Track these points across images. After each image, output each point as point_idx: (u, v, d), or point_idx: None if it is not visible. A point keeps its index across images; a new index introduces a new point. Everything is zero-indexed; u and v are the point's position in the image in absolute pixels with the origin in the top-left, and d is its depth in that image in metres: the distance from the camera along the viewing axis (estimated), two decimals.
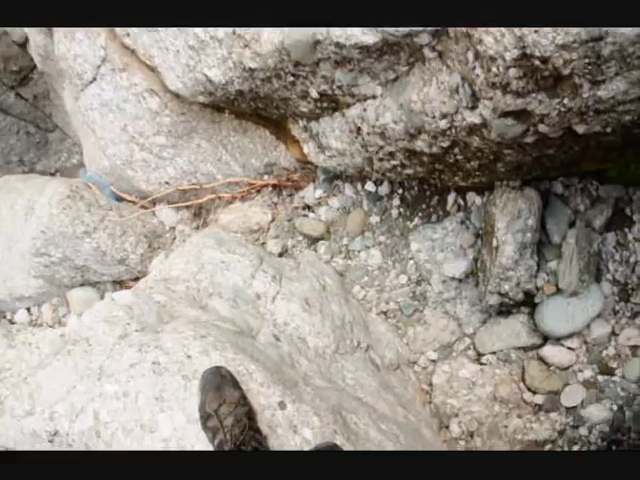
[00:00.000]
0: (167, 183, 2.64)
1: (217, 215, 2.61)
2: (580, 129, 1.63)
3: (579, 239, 2.23)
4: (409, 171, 2.05)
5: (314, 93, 1.88)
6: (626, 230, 2.31)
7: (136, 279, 2.73)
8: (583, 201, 2.31)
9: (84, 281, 2.77)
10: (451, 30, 1.50)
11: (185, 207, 2.70)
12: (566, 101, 1.50)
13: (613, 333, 2.27)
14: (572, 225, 2.27)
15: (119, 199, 2.93)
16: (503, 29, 1.37)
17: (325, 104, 1.93)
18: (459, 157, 1.89)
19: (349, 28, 1.58)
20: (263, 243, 2.46)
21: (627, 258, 2.29)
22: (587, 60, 1.34)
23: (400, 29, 1.52)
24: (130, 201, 2.90)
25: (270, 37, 1.74)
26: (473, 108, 1.62)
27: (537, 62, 1.37)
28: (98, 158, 2.92)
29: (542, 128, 1.64)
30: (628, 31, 1.25)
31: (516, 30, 1.35)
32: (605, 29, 1.26)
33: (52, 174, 4.01)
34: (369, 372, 2.13)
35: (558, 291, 2.22)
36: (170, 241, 2.78)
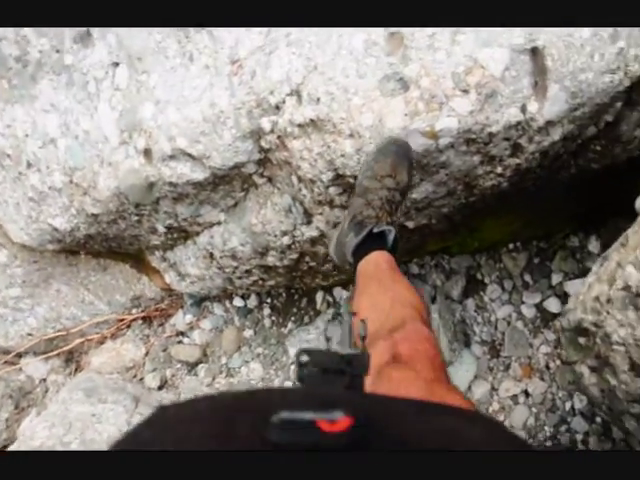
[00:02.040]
0: (30, 335, 2.48)
1: (89, 358, 2.47)
2: (410, 224, 1.78)
3: (442, 312, 2.36)
4: (271, 282, 2.10)
5: (161, 228, 1.90)
6: (481, 293, 2.49)
7: (4, 447, 2.46)
8: (439, 276, 2.47)
9: None
10: (273, 158, 1.61)
11: (55, 355, 2.53)
12: None
13: (493, 389, 2.36)
14: (434, 300, 2.41)
15: None
16: (315, 155, 1.50)
17: (175, 235, 1.96)
18: (312, 264, 1.97)
19: (178, 167, 1.65)
20: (141, 379, 2.35)
21: (488, 318, 2.45)
22: None
23: (225, 163, 1.61)
24: None
25: (106, 183, 1.76)
26: (309, 223, 1.72)
27: (351, 180, 1.51)
28: None
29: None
30: (416, 147, 1.42)
31: (325, 155, 1.48)
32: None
33: None
34: None
35: None
36: (42, 395, 2.56)
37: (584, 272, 2.09)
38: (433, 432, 0.47)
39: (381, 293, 1.18)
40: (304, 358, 0.55)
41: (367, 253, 1.31)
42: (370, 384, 0.85)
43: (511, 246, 2.33)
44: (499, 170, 1.57)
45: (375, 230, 1.32)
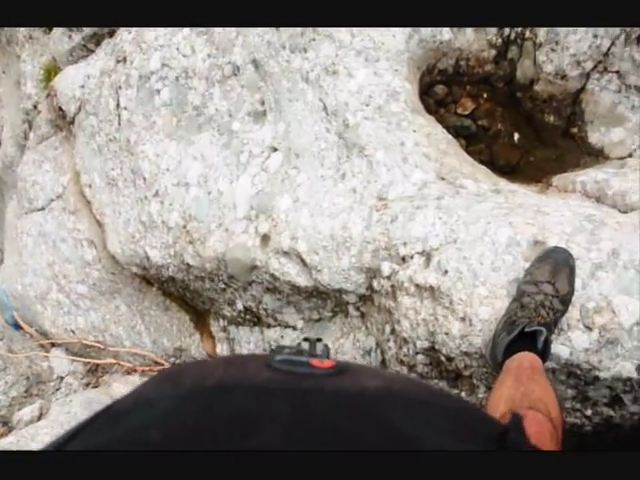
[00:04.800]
0: (73, 332, 2.51)
1: (111, 380, 2.45)
2: None
3: None
4: None
5: (240, 305, 1.91)
6: None
7: None
8: None
9: None
10: (377, 300, 1.60)
11: (82, 362, 2.53)
12: (463, 394, 1.57)
13: None
14: None
15: (18, 327, 2.75)
16: (420, 319, 1.47)
17: (248, 316, 1.96)
18: None
19: (287, 265, 1.67)
20: None
21: None
22: (485, 370, 1.44)
23: (331, 284, 1.61)
24: (28, 333, 2.72)
25: (214, 245, 1.81)
26: None
27: (443, 358, 1.46)
28: (14, 280, 2.79)
29: None
30: None
31: (430, 325, 1.45)
32: None
33: None
34: None
35: None
36: (52, 391, 2.55)
37: None
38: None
39: (514, 388, 1.16)
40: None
41: (516, 352, 1.28)
42: None
43: None
44: (588, 413, 1.47)
45: (527, 330, 1.28)
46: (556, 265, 1.35)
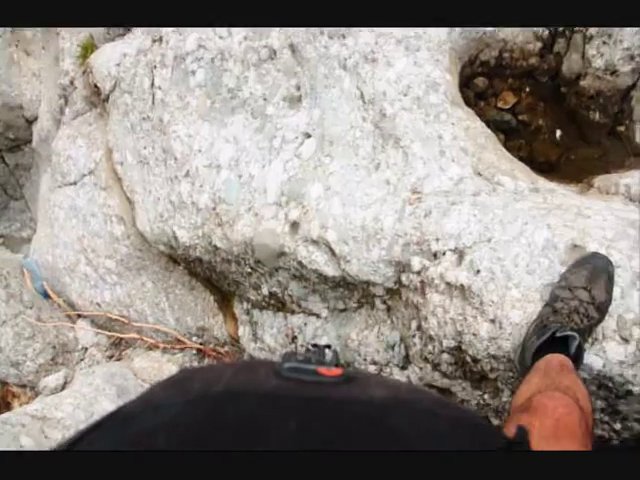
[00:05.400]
0: (99, 305, 2.55)
1: (134, 354, 2.48)
2: (495, 421, 1.65)
3: None
4: None
5: (265, 290, 1.90)
6: None
7: (22, 386, 2.51)
8: None
9: None
10: (404, 295, 1.57)
11: (107, 335, 2.57)
12: (486, 397, 1.54)
13: None
14: None
15: (47, 296, 2.80)
16: (448, 318, 1.44)
17: (272, 301, 1.95)
18: None
19: (315, 254, 1.65)
20: None
21: None
22: (511, 374, 1.40)
23: (359, 275, 1.59)
24: (57, 303, 2.77)
25: (243, 230, 1.80)
26: (403, 368, 1.64)
27: (468, 359, 1.43)
28: (44, 251, 2.84)
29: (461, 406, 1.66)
30: None
31: (458, 324, 1.42)
32: None
33: None
34: None
35: None
36: (77, 361, 2.60)
37: None
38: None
39: (542, 381, 1.10)
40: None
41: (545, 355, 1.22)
42: None
43: None
44: (617, 427, 1.42)
45: (558, 334, 1.22)
46: (594, 271, 1.29)
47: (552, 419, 0.91)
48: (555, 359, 1.19)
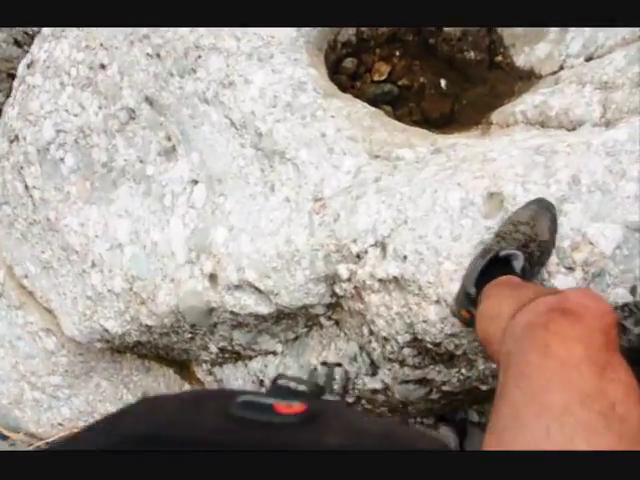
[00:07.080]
0: (60, 425, 2.37)
1: None
2: (483, 387, 1.60)
3: None
4: None
5: (214, 348, 1.80)
6: None
7: None
8: None
9: None
10: (345, 305, 1.49)
11: None
12: (464, 371, 1.48)
13: None
14: None
15: (4, 437, 2.59)
16: (393, 314, 1.37)
17: (227, 355, 1.85)
18: (367, 406, 1.80)
19: (243, 298, 1.56)
20: None
21: None
22: (476, 343, 1.34)
23: (293, 303, 1.50)
24: (17, 440, 2.57)
25: (166, 299, 1.69)
26: (373, 375, 1.57)
27: (429, 345, 1.36)
28: None
29: (446, 388, 1.60)
30: None
31: (405, 317, 1.35)
32: None
33: None
34: None
35: None
36: None
37: None
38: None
39: (516, 290, 0.99)
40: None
41: (491, 280, 1.12)
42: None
43: None
44: None
45: (501, 254, 1.15)
46: (538, 211, 1.24)
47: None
48: (510, 278, 1.11)
